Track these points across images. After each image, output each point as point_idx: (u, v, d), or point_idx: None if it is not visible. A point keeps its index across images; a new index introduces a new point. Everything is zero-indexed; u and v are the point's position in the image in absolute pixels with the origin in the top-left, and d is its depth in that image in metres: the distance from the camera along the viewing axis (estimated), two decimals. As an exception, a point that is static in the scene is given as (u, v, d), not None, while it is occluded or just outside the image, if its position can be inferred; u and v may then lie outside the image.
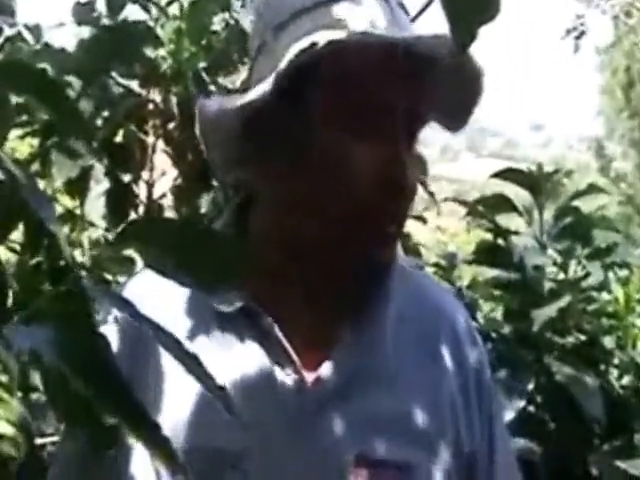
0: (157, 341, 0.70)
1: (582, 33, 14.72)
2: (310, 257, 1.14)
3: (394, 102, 1.09)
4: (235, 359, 1.11)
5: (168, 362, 1.10)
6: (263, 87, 1.06)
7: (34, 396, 2.49)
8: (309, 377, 1.11)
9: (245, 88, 1.22)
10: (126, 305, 0.73)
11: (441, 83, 1.11)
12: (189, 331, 1.13)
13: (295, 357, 1.11)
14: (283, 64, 1.04)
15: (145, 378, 1.11)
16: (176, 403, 1.08)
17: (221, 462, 1.07)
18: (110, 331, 1.13)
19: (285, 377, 1.10)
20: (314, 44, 1.03)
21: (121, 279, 2.21)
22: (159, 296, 1.13)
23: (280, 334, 1.11)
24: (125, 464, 1.10)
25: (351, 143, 1.08)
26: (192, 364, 0.71)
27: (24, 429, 0.75)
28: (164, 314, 1.10)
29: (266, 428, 1.08)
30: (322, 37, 1.03)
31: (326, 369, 1.11)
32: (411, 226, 2.70)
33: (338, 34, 1.04)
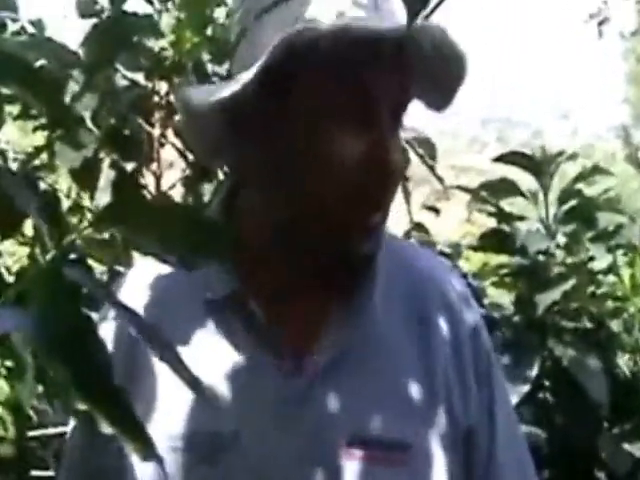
0: (132, 328, 0.70)
1: (605, 19, 14.58)
2: (295, 243, 1.14)
3: (376, 89, 1.08)
4: (225, 344, 1.12)
5: None
6: (245, 78, 1.05)
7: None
8: (298, 359, 1.12)
9: (229, 74, 1.21)
10: (103, 290, 0.73)
11: (424, 68, 1.11)
12: (181, 319, 1.14)
13: (283, 340, 1.12)
14: (264, 57, 1.03)
15: (147, 366, 1.12)
16: (173, 391, 1.08)
17: (216, 445, 1.08)
18: (112, 325, 1.16)
19: (274, 360, 1.11)
20: (296, 33, 1.02)
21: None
22: (154, 285, 1.17)
23: (266, 319, 1.12)
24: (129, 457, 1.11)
25: (333, 128, 1.07)
26: (167, 353, 0.71)
27: (15, 410, 0.75)
28: (158, 302, 1.16)
29: (257, 411, 1.09)
30: (302, 27, 1.03)
31: (315, 350, 1.12)
32: (439, 216, 2.68)
33: (317, 25, 1.03)
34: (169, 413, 1.10)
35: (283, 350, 1.11)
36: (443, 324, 1.19)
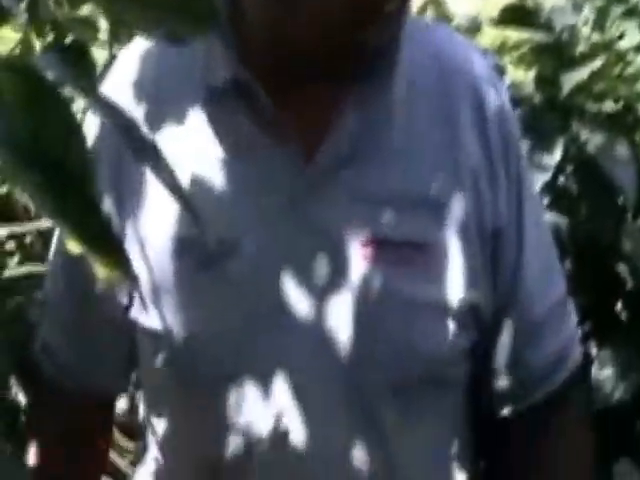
0: (113, 125, 0.61)
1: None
2: (305, 24, 1.00)
3: None
4: (227, 135, 1.04)
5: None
6: None
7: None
8: (309, 149, 1.03)
9: None
10: (82, 81, 0.61)
11: None
12: (178, 105, 1.05)
13: (292, 129, 1.02)
14: None
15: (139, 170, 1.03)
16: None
17: (219, 249, 1.02)
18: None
19: (281, 151, 1.02)
20: None
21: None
22: (148, 67, 1.08)
23: (272, 105, 1.02)
24: None
25: None
26: (149, 154, 0.64)
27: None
28: (152, 87, 1.07)
29: (264, 208, 1.02)
30: None
31: (327, 144, 1.02)
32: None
33: None
34: (170, 214, 1.03)
35: (292, 140, 1.02)
36: (471, 121, 1.08)
